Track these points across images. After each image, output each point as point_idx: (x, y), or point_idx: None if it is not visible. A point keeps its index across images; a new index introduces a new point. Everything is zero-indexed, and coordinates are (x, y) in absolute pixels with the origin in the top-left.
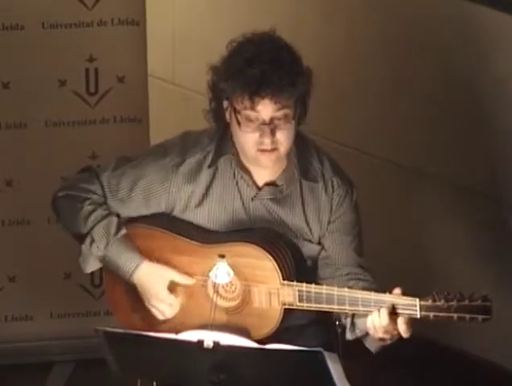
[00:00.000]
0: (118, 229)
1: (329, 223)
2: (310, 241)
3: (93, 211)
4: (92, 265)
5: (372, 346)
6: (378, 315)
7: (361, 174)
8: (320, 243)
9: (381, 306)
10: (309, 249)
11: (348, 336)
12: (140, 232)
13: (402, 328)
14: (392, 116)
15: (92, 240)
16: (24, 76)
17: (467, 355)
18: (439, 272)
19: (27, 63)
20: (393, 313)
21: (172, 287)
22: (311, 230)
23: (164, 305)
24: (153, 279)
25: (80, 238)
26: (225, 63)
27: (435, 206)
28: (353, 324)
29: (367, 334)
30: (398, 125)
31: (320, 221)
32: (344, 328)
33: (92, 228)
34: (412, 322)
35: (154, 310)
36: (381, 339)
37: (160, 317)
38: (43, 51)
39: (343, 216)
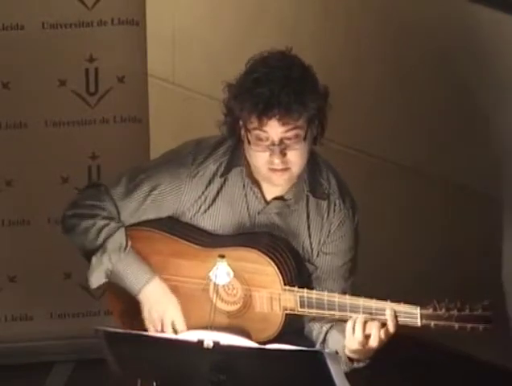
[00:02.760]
0: (127, 242)
1: (324, 243)
2: (309, 261)
3: (106, 225)
4: (97, 278)
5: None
6: (352, 327)
7: (359, 174)
8: (314, 263)
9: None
10: (309, 269)
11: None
12: (140, 234)
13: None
14: (391, 115)
15: (104, 251)
16: (24, 76)
17: (467, 356)
18: (439, 271)
19: (27, 63)
20: (366, 322)
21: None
22: (312, 247)
23: (170, 328)
24: (163, 299)
25: (92, 252)
26: (238, 82)
27: (434, 205)
28: (324, 341)
29: (336, 353)
30: (398, 124)
31: (319, 239)
32: (314, 337)
33: (105, 240)
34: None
35: (154, 328)
36: (354, 354)
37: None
38: (43, 51)
39: (339, 241)
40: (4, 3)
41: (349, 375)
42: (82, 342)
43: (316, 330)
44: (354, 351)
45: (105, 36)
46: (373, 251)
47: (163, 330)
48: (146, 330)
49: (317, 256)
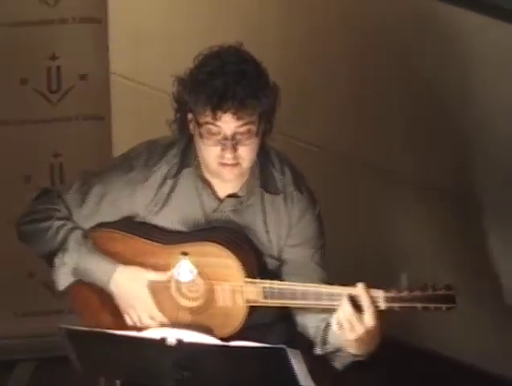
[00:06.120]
0: (87, 239)
1: (289, 237)
2: (270, 256)
3: (63, 225)
4: (64, 279)
5: (340, 362)
6: (341, 308)
7: (322, 172)
8: (280, 258)
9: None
10: (269, 264)
11: (318, 351)
12: (100, 235)
13: (367, 318)
14: (353, 113)
15: (66, 250)
16: None
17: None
18: (402, 268)
19: None
20: (357, 306)
21: None
22: (270, 242)
23: (147, 317)
24: (132, 284)
25: (52, 254)
26: (190, 76)
27: (396, 203)
28: (323, 340)
29: (337, 351)
30: (360, 122)
31: (278, 234)
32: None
33: (64, 240)
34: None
35: (130, 316)
36: (353, 346)
37: (131, 322)
38: (4, 49)
39: (304, 230)
40: None
41: (319, 377)
42: (45, 341)
43: (313, 330)
44: (351, 345)
45: (67, 34)
46: (334, 247)
47: (138, 317)
48: (122, 322)
49: (283, 251)
